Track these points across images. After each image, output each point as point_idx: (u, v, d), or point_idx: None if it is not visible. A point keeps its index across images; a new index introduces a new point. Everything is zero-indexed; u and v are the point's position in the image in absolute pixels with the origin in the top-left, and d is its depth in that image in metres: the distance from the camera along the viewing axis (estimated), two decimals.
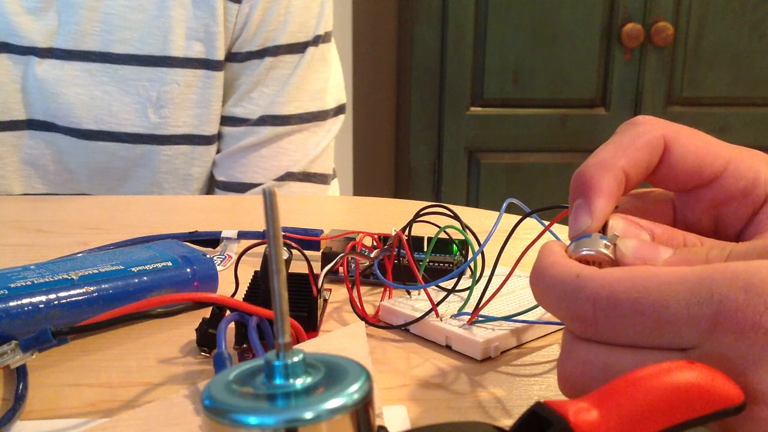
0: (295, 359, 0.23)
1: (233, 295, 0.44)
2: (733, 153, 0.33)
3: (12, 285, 0.39)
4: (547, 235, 0.40)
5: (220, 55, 0.80)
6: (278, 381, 0.22)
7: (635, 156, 0.31)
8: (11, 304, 0.39)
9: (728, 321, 0.24)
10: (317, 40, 0.84)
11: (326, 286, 0.46)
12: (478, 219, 0.64)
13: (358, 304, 0.42)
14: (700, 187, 0.33)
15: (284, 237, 0.50)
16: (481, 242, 0.41)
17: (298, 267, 0.42)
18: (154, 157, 0.81)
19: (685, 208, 0.34)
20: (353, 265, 0.45)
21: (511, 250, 0.41)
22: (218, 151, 0.86)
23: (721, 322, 0.24)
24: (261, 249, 0.43)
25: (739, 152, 0.33)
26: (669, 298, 0.25)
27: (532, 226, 0.44)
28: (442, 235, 0.46)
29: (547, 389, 0.36)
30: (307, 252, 0.44)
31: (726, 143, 0.33)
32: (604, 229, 0.31)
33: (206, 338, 0.38)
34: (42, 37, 0.78)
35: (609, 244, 0.30)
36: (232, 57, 0.83)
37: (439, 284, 0.42)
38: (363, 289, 0.48)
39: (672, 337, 0.26)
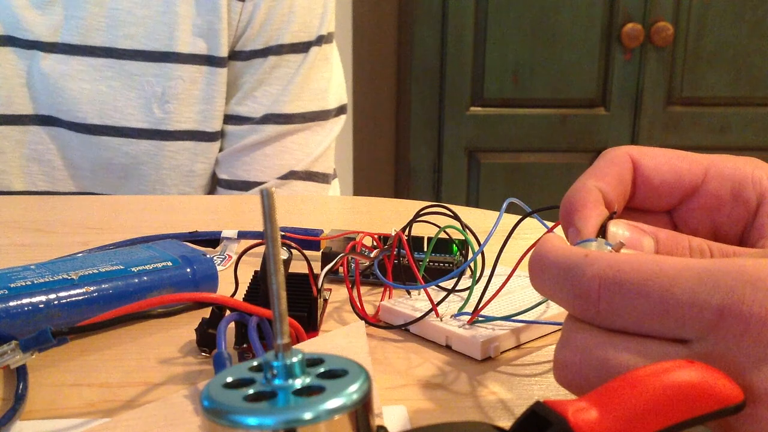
0: (294, 359, 0.23)
1: (233, 295, 0.44)
2: (712, 158, 0.34)
3: (12, 285, 0.40)
4: None
5: (223, 52, 0.81)
6: (277, 381, 0.22)
7: (603, 173, 0.33)
8: (11, 304, 0.39)
9: (734, 314, 0.24)
10: (320, 41, 0.85)
11: (326, 286, 0.46)
12: (478, 219, 0.64)
13: (358, 304, 0.42)
14: (686, 197, 0.34)
15: (284, 237, 0.50)
16: (481, 242, 0.41)
17: (298, 267, 0.42)
18: (157, 153, 0.81)
19: (680, 224, 0.35)
20: (353, 265, 0.45)
21: (512, 250, 0.41)
22: (221, 150, 0.86)
23: (726, 315, 0.24)
24: (261, 249, 0.43)
25: (718, 157, 0.34)
26: (676, 283, 0.25)
27: (532, 226, 0.44)
28: (442, 235, 0.46)
29: (547, 389, 0.36)
30: (307, 252, 0.44)
31: (701, 154, 0.34)
32: (604, 235, 0.31)
33: (206, 338, 0.38)
34: (47, 32, 0.78)
35: (613, 249, 0.30)
36: (235, 55, 0.83)
37: (439, 284, 0.42)
38: (363, 289, 0.48)
39: (674, 326, 0.25)
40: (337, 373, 0.23)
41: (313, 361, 0.24)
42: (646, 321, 0.26)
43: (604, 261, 0.27)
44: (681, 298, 0.25)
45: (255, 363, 0.24)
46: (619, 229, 0.31)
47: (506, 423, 0.29)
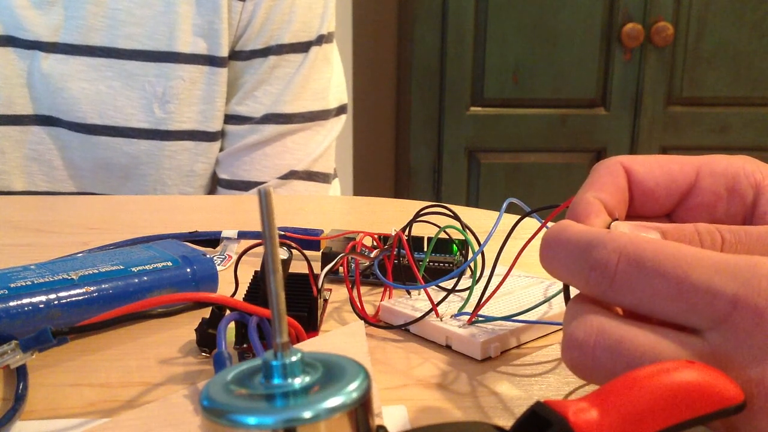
0: (293, 359, 0.23)
1: (233, 295, 0.44)
2: (702, 158, 0.34)
3: (12, 285, 0.39)
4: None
5: (223, 52, 0.81)
6: (276, 381, 0.22)
7: (600, 184, 0.33)
8: (11, 304, 0.39)
9: (748, 305, 0.24)
10: (320, 40, 0.85)
11: (326, 286, 0.46)
12: (478, 219, 0.64)
13: (358, 304, 0.42)
14: (682, 197, 0.34)
15: (284, 237, 0.50)
16: (481, 242, 0.41)
17: (299, 267, 0.42)
18: (158, 153, 0.81)
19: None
20: (353, 265, 0.45)
21: (512, 250, 0.41)
22: (222, 149, 0.86)
23: (740, 306, 0.24)
24: (261, 249, 0.43)
25: (708, 157, 0.34)
26: (693, 268, 0.26)
27: (532, 226, 0.44)
28: (442, 235, 0.46)
29: (548, 389, 0.36)
30: (307, 252, 0.44)
31: (692, 156, 0.35)
32: None
33: (206, 338, 0.38)
34: (47, 32, 0.78)
35: None
36: (236, 55, 0.83)
37: (439, 284, 0.42)
38: (363, 289, 0.48)
39: (686, 310, 0.26)
40: (337, 372, 0.23)
41: (312, 361, 0.24)
42: (659, 302, 0.26)
43: (626, 237, 0.27)
44: (696, 282, 0.25)
45: (254, 363, 0.24)
46: (623, 229, 0.31)
47: (506, 423, 0.29)
